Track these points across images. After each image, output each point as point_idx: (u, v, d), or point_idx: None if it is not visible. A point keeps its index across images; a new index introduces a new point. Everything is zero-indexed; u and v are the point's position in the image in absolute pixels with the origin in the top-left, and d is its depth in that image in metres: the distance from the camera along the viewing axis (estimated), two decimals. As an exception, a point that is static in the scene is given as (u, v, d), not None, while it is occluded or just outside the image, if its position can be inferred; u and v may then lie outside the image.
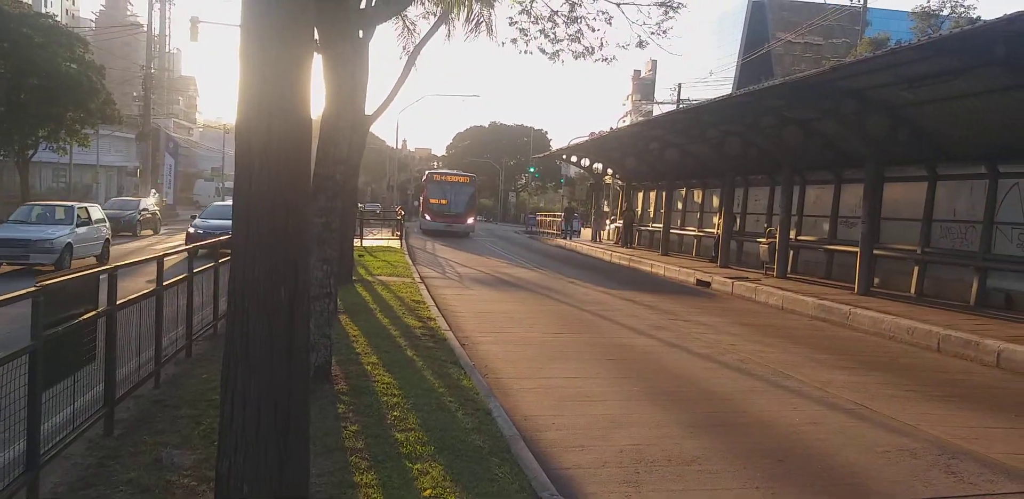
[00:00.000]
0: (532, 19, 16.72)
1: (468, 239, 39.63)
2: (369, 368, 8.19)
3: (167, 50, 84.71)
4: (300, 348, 4.50)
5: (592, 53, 16.45)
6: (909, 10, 36.75)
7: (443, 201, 41.60)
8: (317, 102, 6.04)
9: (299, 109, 4.42)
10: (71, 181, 43.50)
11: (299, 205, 4.43)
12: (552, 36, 16.52)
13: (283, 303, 4.34)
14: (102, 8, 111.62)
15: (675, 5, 15.40)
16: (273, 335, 4.33)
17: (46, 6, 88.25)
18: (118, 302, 5.95)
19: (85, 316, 5.33)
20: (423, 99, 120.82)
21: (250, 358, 4.31)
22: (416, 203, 59.87)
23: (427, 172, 48.95)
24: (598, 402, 7.86)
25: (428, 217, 42.07)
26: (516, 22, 16.93)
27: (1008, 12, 10.08)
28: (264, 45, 4.33)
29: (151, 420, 6.13)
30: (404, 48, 18.78)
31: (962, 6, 34.63)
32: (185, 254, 8.90)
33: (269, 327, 4.32)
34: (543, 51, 16.97)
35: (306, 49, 4.56)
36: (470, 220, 42.35)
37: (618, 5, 15.43)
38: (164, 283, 7.30)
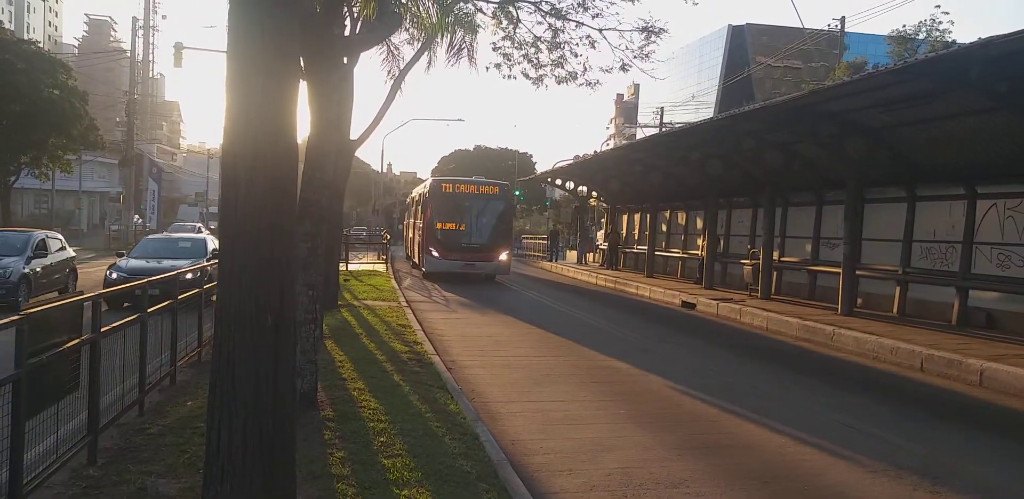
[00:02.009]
0: (515, 45, 16.90)
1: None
2: (355, 393, 8.16)
3: (151, 75, 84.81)
4: (286, 374, 4.49)
5: (575, 78, 16.60)
6: (886, 34, 37.33)
7: (459, 226, 26.30)
8: (302, 127, 6.09)
9: (285, 135, 4.45)
10: (53, 207, 43.24)
11: (285, 230, 4.45)
12: (535, 61, 16.67)
13: (269, 329, 4.34)
14: (85, 34, 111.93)
15: (656, 30, 15.61)
16: (259, 361, 4.32)
17: (29, 32, 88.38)
18: (102, 329, 5.92)
19: (69, 344, 5.30)
20: (408, 123, 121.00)
21: (236, 385, 4.29)
22: (400, 226, 51.69)
23: (430, 181, 29.44)
24: (585, 425, 7.86)
25: (435, 252, 25.87)
26: (499, 48, 17.09)
27: (982, 36, 10.28)
28: (250, 72, 4.37)
29: (135, 449, 6.07)
30: (389, 72, 18.88)
31: (937, 30, 35.24)
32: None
33: (255, 353, 4.31)
34: (527, 76, 17.12)
35: (292, 76, 4.61)
36: (503, 255, 26.58)
37: (600, 31, 15.63)
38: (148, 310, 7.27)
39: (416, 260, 29.91)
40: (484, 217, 26.46)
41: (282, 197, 4.42)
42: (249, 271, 4.33)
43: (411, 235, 33.42)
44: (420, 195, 30.31)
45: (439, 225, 26.09)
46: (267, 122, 4.36)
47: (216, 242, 32.05)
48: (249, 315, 4.31)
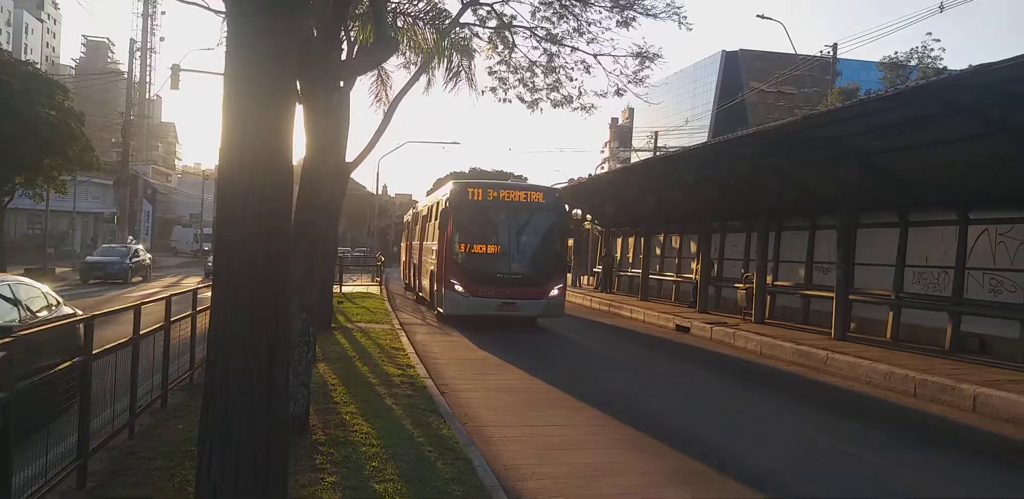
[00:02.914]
0: (511, 69, 17.08)
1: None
2: (347, 417, 8.10)
3: (148, 97, 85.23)
4: (279, 398, 4.46)
5: (571, 102, 16.78)
6: (878, 61, 37.76)
7: (494, 248, 19.03)
8: (298, 149, 6.11)
9: (281, 158, 4.47)
10: (47, 228, 43.10)
11: (281, 253, 4.45)
12: (531, 85, 16.86)
13: (263, 352, 4.32)
14: (82, 55, 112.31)
15: (651, 56, 15.82)
16: (253, 385, 4.30)
17: (27, 53, 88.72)
18: (94, 352, 5.89)
19: (60, 367, 5.27)
20: (403, 146, 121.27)
21: (229, 408, 4.27)
22: (396, 248, 49.59)
23: (450, 187, 20.05)
24: (581, 450, 7.81)
25: (459, 286, 18.53)
26: (495, 72, 17.27)
27: (973, 63, 10.41)
28: (247, 96, 4.40)
29: (125, 472, 6.01)
30: (376, 96, 18.92)
31: (929, 57, 35.66)
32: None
33: (249, 377, 4.29)
34: (522, 100, 17.32)
35: (288, 99, 4.64)
36: (554, 288, 19.16)
37: (595, 56, 15.81)
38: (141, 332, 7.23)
39: (426, 295, 22.27)
40: (527, 235, 18.98)
41: (278, 219, 4.43)
42: (244, 294, 4.32)
43: (416, 260, 25.39)
44: (432, 208, 22.27)
45: (464, 247, 18.47)
46: (263, 145, 4.38)
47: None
48: (243, 338, 4.30)
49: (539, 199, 19.32)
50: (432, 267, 20.36)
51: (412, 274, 27.14)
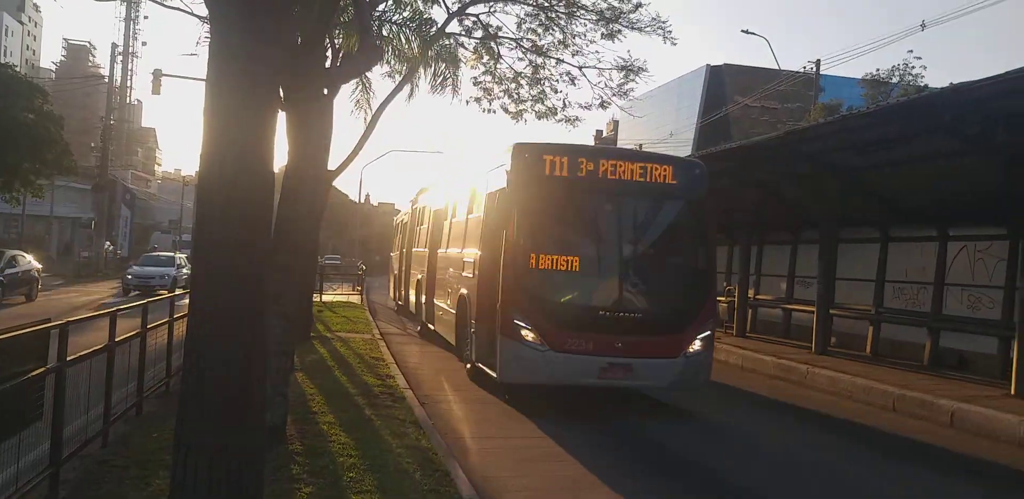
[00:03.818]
0: (496, 79, 17.08)
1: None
2: (325, 428, 8.01)
3: (128, 101, 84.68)
4: (256, 407, 4.40)
5: (555, 114, 16.76)
6: (860, 77, 38.15)
7: (593, 263, 10.57)
8: (280, 156, 6.06)
9: (263, 165, 4.43)
10: (23, 232, 42.63)
11: (259, 261, 4.40)
12: (516, 96, 16.84)
13: (240, 361, 4.27)
14: (63, 58, 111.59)
15: (636, 69, 15.85)
16: (229, 394, 4.24)
17: (6, 56, 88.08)
18: (68, 358, 5.79)
19: (33, 373, 5.17)
20: (387, 155, 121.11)
21: (204, 417, 4.21)
22: (379, 258, 51.74)
23: (512, 152, 10.52)
24: (561, 462, 7.75)
25: (533, 332, 9.85)
26: (480, 82, 17.26)
27: (954, 81, 10.53)
28: (230, 102, 4.36)
29: (98, 481, 5.90)
30: (357, 104, 18.79)
31: (910, 75, 36.09)
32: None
33: (225, 386, 4.23)
34: (506, 110, 17.28)
35: (271, 106, 4.60)
36: (695, 339, 10.35)
37: (580, 68, 15.84)
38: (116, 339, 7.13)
39: (445, 333, 14.59)
40: (649, 240, 11.17)
41: (258, 227, 4.38)
42: (221, 302, 4.26)
43: (422, 276, 17.58)
44: (462, 197, 14.04)
45: (540, 262, 10.13)
46: (245, 151, 4.34)
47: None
48: (219, 346, 4.24)
49: (667, 177, 10.72)
50: (464, 290, 12.31)
51: (414, 294, 19.10)
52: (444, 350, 15.35)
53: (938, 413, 10.65)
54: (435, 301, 15.67)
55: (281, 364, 7.32)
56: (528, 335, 9.82)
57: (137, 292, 27.24)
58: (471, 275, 11.87)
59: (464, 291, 12.32)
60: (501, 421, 9.62)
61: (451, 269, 13.94)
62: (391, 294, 25.94)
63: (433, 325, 16.23)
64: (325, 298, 26.96)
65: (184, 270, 30.19)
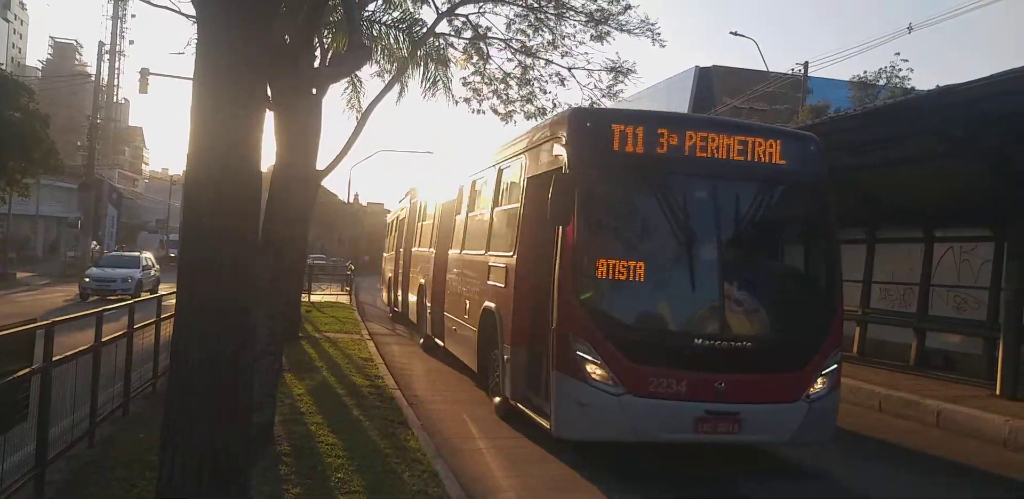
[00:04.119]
0: (485, 80, 17.08)
1: None
2: (314, 428, 7.99)
3: (115, 100, 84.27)
4: (243, 408, 4.39)
5: (544, 114, 16.75)
6: (848, 79, 38.30)
7: (682, 272, 7.53)
8: (268, 156, 6.04)
9: (250, 165, 4.42)
10: (8, 231, 42.35)
11: (246, 262, 4.39)
12: (505, 97, 16.84)
13: (227, 362, 4.25)
14: (49, 57, 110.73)
15: (625, 71, 15.87)
16: (216, 394, 4.23)
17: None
18: (54, 358, 5.76)
19: (18, 373, 5.14)
20: (376, 155, 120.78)
21: (191, 418, 4.19)
22: (368, 258, 50.60)
23: (570, 118, 7.86)
24: (550, 462, 7.75)
25: (599, 369, 6.98)
26: (469, 82, 17.25)
27: (940, 83, 10.59)
28: (217, 102, 4.35)
29: (84, 482, 5.86)
30: (349, 102, 18.70)
31: (897, 77, 36.23)
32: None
33: (212, 386, 4.22)
34: (496, 111, 17.27)
35: (259, 106, 4.59)
36: (817, 376, 7.50)
37: (570, 69, 15.86)
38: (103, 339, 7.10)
39: (466, 359, 11.48)
40: (753, 240, 8.21)
41: (246, 226, 4.37)
42: (208, 302, 4.25)
43: (431, 283, 14.57)
44: (488, 182, 11.10)
45: (608, 271, 7.15)
46: (232, 151, 4.33)
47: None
48: (207, 347, 4.23)
49: (776, 155, 7.95)
50: (490, 303, 9.70)
51: (415, 301, 16.98)
52: (455, 370, 12.74)
53: (924, 413, 10.72)
54: (446, 313, 12.86)
55: (269, 365, 7.29)
56: (596, 372, 7.02)
57: (95, 297, 24.52)
58: (501, 284, 9.23)
59: (490, 304, 9.61)
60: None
61: (469, 275, 11.30)
62: (384, 298, 24.33)
63: (442, 341, 13.41)
64: (313, 298, 26.85)
65: (152, 272, 28.02)
